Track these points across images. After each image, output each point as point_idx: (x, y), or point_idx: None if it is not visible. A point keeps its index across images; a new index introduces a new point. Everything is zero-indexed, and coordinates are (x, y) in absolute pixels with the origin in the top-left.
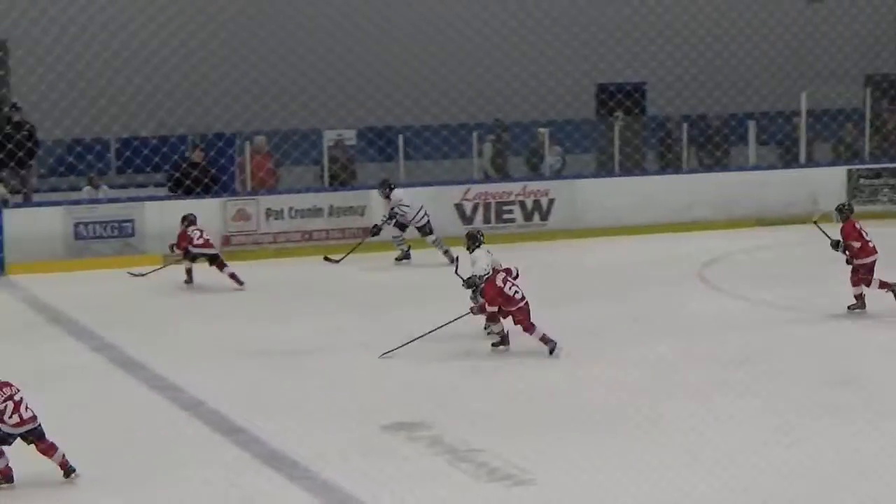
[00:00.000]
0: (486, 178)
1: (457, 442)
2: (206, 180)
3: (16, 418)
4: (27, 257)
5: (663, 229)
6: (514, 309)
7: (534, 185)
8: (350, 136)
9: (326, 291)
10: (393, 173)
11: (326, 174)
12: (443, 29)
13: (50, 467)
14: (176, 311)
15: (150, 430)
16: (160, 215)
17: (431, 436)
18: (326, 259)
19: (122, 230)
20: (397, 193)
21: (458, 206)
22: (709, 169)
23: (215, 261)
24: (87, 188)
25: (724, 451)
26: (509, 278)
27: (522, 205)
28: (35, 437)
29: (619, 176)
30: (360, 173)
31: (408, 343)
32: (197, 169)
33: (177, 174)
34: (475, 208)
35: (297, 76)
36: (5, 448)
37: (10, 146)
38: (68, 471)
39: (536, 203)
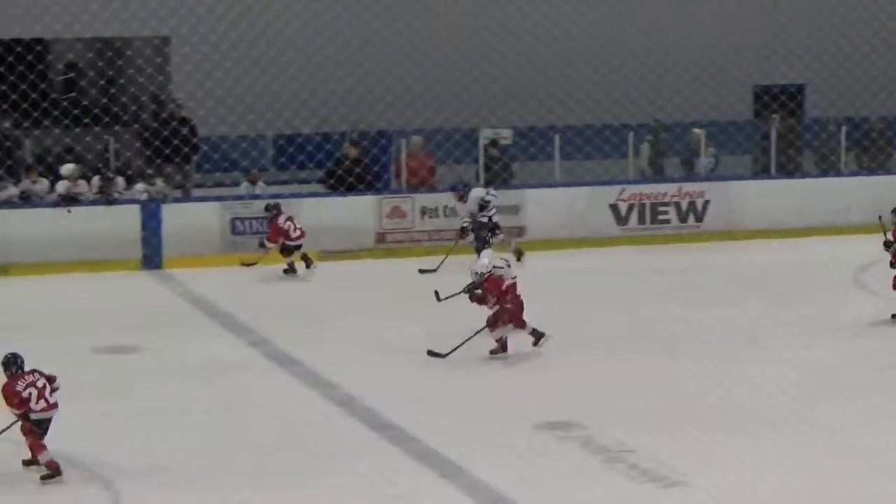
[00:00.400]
0: (642, 179)
1: (610, 442)
2: (366, 176)
3: (43, 403)
4: (185, 251)
5: (819, 232)
6: (516, 303)
7: (689, 187)
8: (506, 135)
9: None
10: (548, 172)
11: (482, 172)
12: (603, 29)
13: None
14: (331, 307)
15: (305, 425)
16: (316, 212)
17: (585, 436)
18: (422, 272)
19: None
20: (477, 191)
21: (613, 207)
22: (869, 172)
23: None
24: (245, 184)
25: (881, 454)
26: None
27: (678, 206)
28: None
29: (776, 178)
30: (516, 172)
31: (459, 347)
32: (359, 165)
33: (332, 168)
34: (630, 209)
35: (457, 75)
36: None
37: (172, 142)
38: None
39: (691, 204)
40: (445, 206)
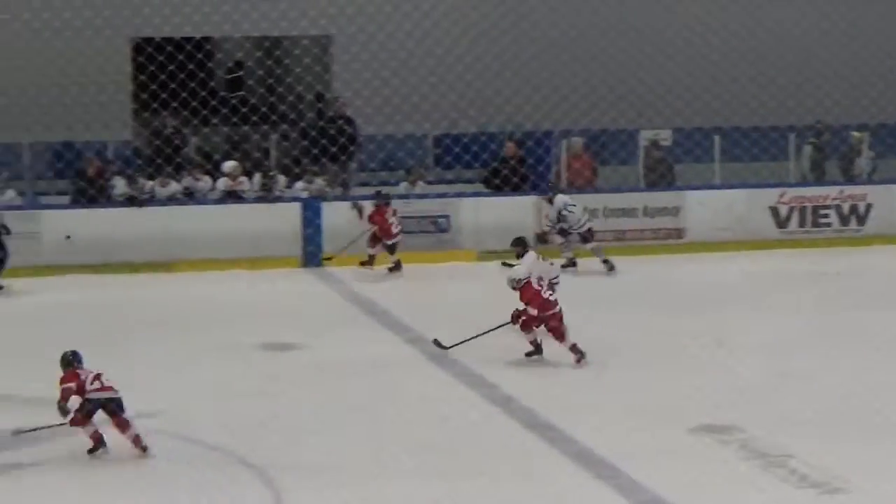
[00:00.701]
0: (803, 182)
1: (769, 447)
2: (521, 175)
3: (97, 384)
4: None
5: None
6: (549, 314)
7: (851, 190)
8: (666, 136)
9: (635, 290)
10: (708, 174)
11: (642, 174)
12: (768, 29)
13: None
14: (487, 307)
15: (465, 423)
16: (475, 212)
17: (742, 439)
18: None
19: (438, 225)
20: (561, 198)
21: (773, 210)
22: None
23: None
24: (405, 183)
25: None
26: (543, 283)
27: (839, 209)
28: (115, 406)
29: None
30: (676, 174)
31: (465, 341)
32: (520, 165)
33: (491, 167)
34: (790, 212)
35: (619, 76)
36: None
37: (334, 140)
38: (143, 448)
39: (853, 208)
40: (605, 207)
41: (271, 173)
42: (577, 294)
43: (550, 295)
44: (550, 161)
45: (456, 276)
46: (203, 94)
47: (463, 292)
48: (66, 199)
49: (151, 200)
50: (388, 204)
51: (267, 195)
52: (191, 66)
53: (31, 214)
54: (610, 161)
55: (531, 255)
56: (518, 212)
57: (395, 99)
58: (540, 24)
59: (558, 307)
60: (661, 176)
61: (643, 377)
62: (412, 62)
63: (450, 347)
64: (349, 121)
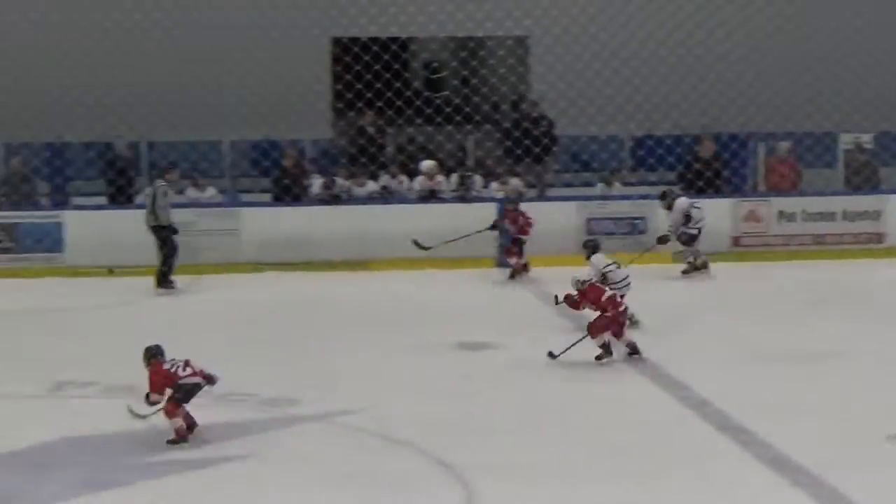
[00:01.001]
0: None
1: None
2: (716, 171)
3: (189, 370)
4: (540, 251)
5: None
6: (616, 312)
7: None
8: (867, 140)
9: (834, 296)
10: None
11: (842, 177)
12: None
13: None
14: (685, 309)
15: (658, 425)
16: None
17: None
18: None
19: (635, 227)
20: (683, 200)
21: None
22: None
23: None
24: (601, 185)
25: None
26: (612, 285)
27: None
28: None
29: None
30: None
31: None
32: (713, 165)
33: (686, 169)
34: None
35: (816, 77)
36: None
37: (528, 141)
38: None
39: None
40: (803, 211)
41: (468, 173)
42: (781, 300)
43: (617, 296)
44: (748, 163)
45: (654, 279)
46: (407, 93)
47: (659, 292)
48: (266, 198)
49: (349, 199)
50: (517, 205)
51: (464, 195)
52: (396, 66)
53: (231, 212)
54: (815, 164)
55: (599, 257)
56: (714, 214)
57: (594, 99)
58: (743, 27)
59: (623, 307)
60: (865, 179)
61: (846, 384)
62: (603, 64)
63: (429, 248)
64: (540, 121)
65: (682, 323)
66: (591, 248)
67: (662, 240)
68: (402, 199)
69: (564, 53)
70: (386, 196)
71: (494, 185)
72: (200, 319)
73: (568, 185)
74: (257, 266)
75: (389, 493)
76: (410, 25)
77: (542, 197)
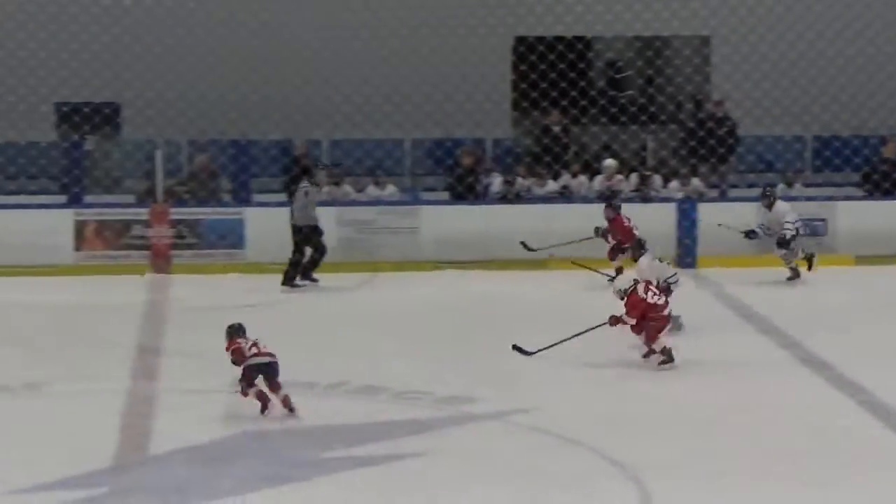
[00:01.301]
0: None
1: None
2: None
3: (254, 350)
4: (718, 251)
5: None
6: (660, 315)
7: None
8: None
9: None
10: None
11: None
12: None
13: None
14: (858, 313)
15: (836, 430)
16: (853, 215)
17: None
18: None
19: (815, 229)
20: (783, 204)
21: None
22: None
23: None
24: (782, 186)
25: None
26: (651, 287)
27: None
28: (271, 370)
29: None
30: None
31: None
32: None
33: (869, 170)
34: None
35: None
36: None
37: (712, 141)
38: (290, 409)
39: None
40: None
41: (648, 173)
42: None
43: (658, 298)
44: None
45: (832, 281)
46: (591, 93)
47: (833, 294)
48: (445, 196)
49: (529, 198)
50: (620, 206)
51: (644, 195)
52: (580, 65)
53: (410, 210)
54: None
55: (646, 259)
56: (888, 216)
57: (780, 100)
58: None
59: (667, 310)
60: None
61: None
62: (797, 62)
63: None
64: (722, 121)
65: (854, 325)
66: (638, 248)
67: (749, 236)
68: (580, 199)
69: (749, 53)
70: (566, 195)
71: (674, 184)
72: (376, 317)
73: (751, 185)
74: (437, 264)
75: (564, 492)
76: (595, 24)
77: (722, 198)
